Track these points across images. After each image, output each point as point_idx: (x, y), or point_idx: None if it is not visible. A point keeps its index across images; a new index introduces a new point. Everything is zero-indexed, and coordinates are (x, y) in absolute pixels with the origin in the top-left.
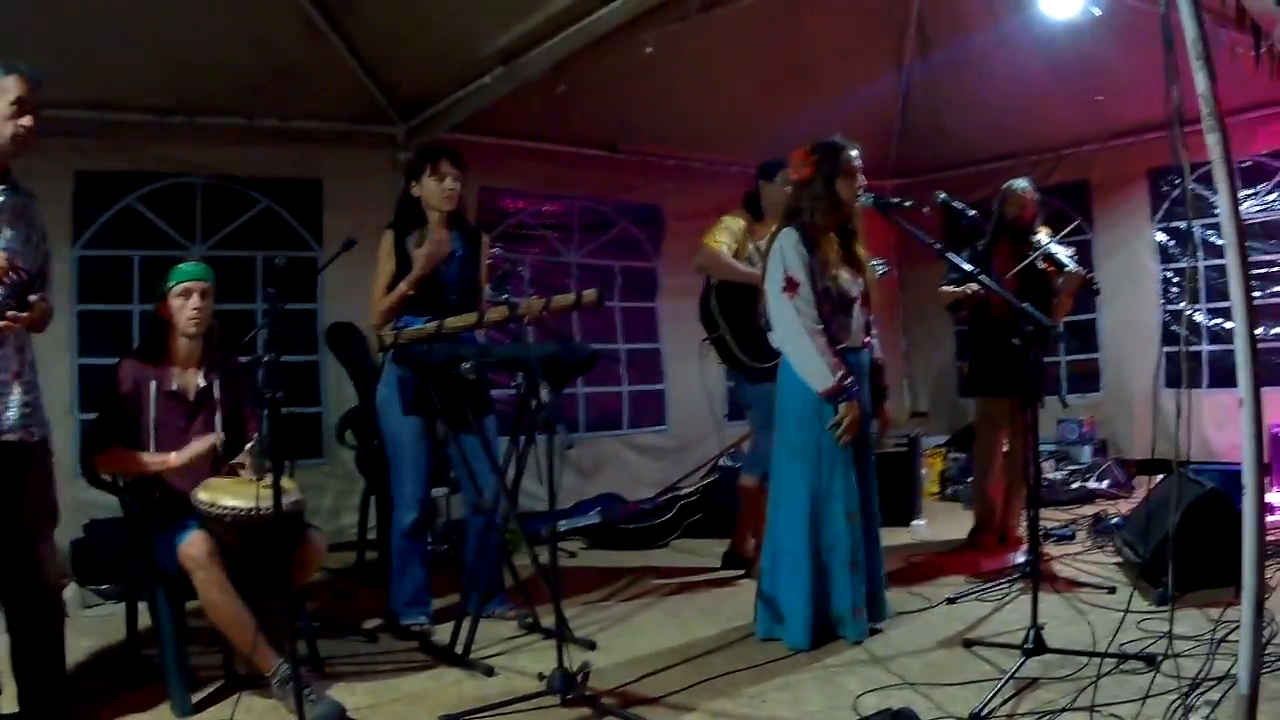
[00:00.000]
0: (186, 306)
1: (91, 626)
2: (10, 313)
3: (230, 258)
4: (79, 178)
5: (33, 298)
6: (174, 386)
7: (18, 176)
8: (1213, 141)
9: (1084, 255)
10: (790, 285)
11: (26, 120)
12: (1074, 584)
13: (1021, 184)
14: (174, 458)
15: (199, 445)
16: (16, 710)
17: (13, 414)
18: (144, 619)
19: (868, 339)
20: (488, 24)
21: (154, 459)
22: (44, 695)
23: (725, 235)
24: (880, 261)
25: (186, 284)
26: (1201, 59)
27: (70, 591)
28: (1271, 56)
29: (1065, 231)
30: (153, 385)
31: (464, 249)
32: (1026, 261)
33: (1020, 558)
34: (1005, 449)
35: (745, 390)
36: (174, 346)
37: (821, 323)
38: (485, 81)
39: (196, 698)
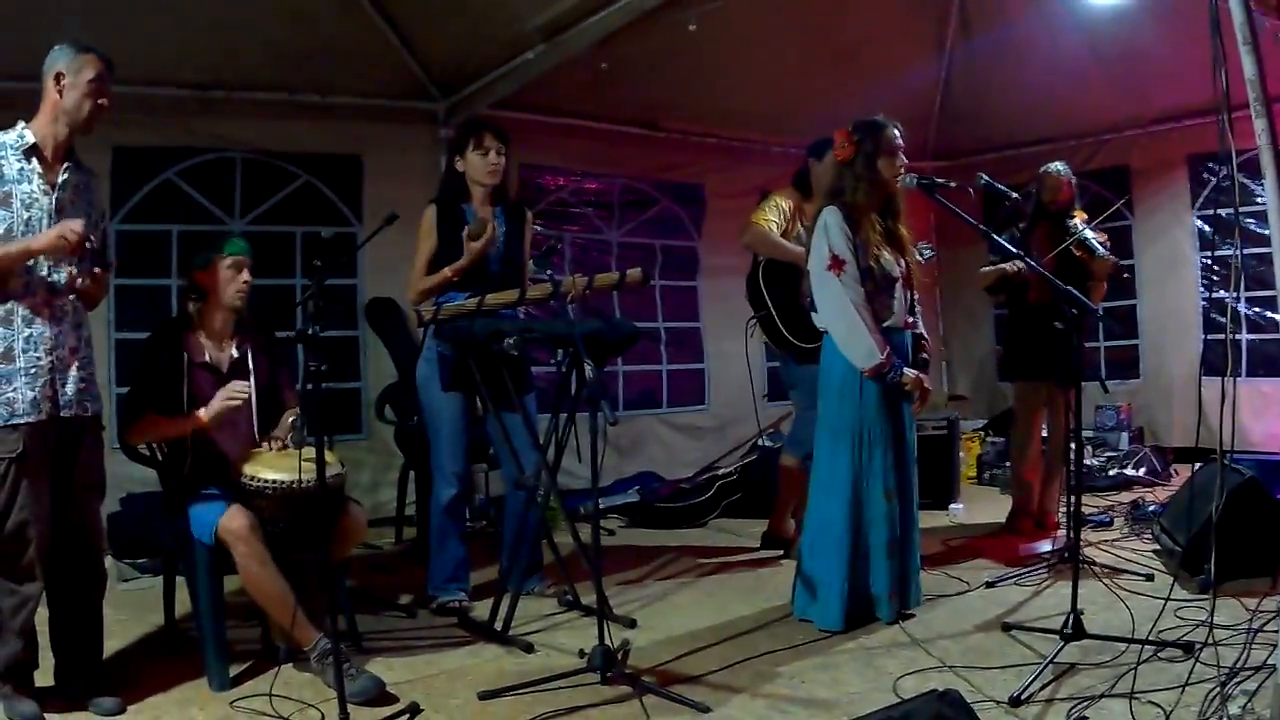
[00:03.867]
0: (237, 280)
1: (128, 600)
2: (82, 274)
3: (270, 233)
4: (117, 153)
5: (98, 270)
6: (207, 358)
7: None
8: (1260, 127)
9: (1124, 242)
10: (836, 263)
11: (104, 100)
12: (1112, 570)
13: (1057, 167)
14: (203, 413)
15: (227, 398)
16: (52, 684)
17: (70, 390)
18: (181, 593)
19: (910, 319)
20: (530, 0)
21: (182, 420)
22: (82, 668)
23: (773, 213)
24: (926, 245)
25: (239, 258)
26: (1249, 44)
27: (107, 565)
28: None
29: (1105, 215)
30: (185, 358)
31: (507, 225)
32: (1062, 246)
33: (1052, 544)
34: (1043, 433)
35: (791, 370)
36: (210, 318)
37: (866, 301)
38: (527, 58)
39: (234, 671)
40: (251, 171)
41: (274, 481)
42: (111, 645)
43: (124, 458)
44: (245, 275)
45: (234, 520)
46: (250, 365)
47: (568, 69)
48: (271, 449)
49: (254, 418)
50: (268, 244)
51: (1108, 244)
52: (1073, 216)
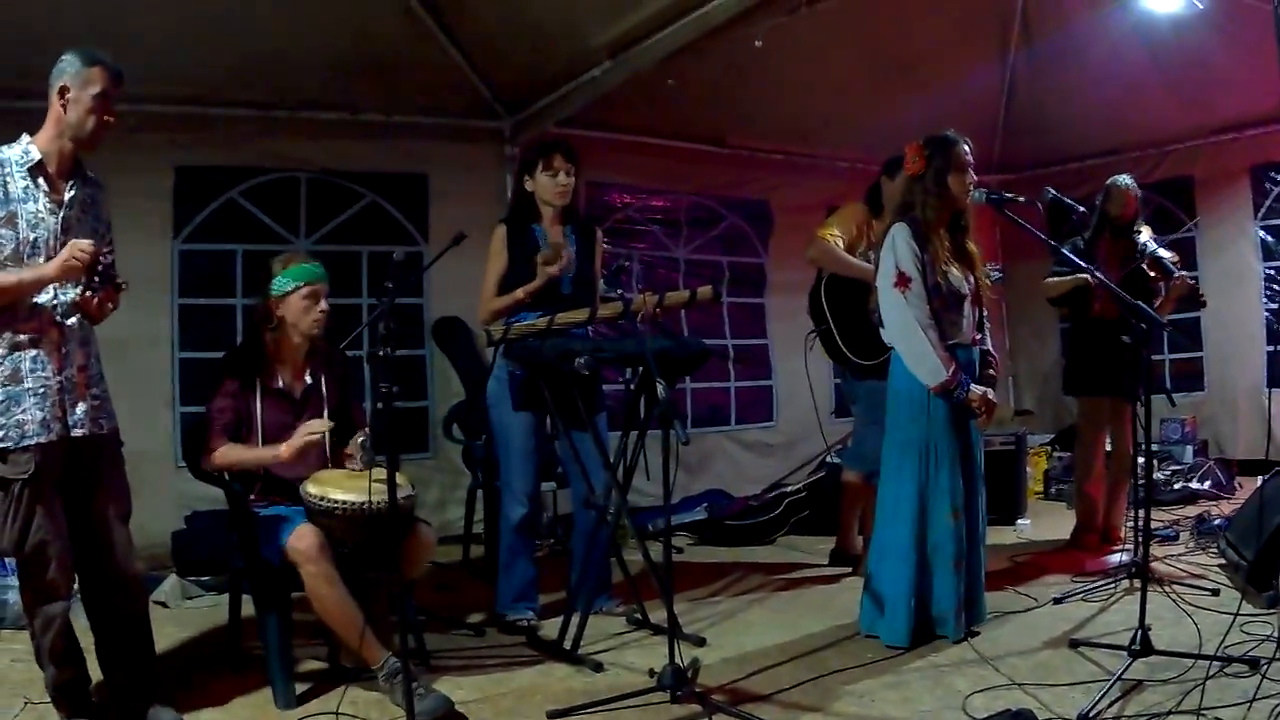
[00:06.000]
0: (314, 309)
1: (192, 618)
2: (98, 296)
3: (336, 252)
4: (179, 172)
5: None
6: (280, 384)
7: (109, 170)
8: None
9: (1188, 253)
10: (901, 280)
11: (109, 117)
12: (1178, 585)
13: (1125, 180)
14: (284, 449)
15: (308, 434)
16: (109, 698)
17: (81, 410)
18: (246, 610)
19: (978, 336)
20: (595, 17)
21: (264, 452)
22: (132, 684)
23: (839, 228)
24: (994, 267)
25: (316, 286)
26: None
27: (171, 583)
28: None
29: (1179, 233)
30: (258, 383)
31: (577, 243)
32: (1134, 265)
33: (1120, 558)
34: (1108, 448)
35: (851, 385)
36: (284, 344)
37: (932, 318)
38: (593, 75)
39: (300, 690)
40: (316, 191)
41: (344, 502)
42: (176, 663)
43: (189, 475)
44: (323, 305)
45: (302, 540)
46: (324, 391)
47: (633, 86)
48: (348, 466)
49: (325, 443)
50: (333, 264)
51: (1178, 261)
52: (1139, 231)
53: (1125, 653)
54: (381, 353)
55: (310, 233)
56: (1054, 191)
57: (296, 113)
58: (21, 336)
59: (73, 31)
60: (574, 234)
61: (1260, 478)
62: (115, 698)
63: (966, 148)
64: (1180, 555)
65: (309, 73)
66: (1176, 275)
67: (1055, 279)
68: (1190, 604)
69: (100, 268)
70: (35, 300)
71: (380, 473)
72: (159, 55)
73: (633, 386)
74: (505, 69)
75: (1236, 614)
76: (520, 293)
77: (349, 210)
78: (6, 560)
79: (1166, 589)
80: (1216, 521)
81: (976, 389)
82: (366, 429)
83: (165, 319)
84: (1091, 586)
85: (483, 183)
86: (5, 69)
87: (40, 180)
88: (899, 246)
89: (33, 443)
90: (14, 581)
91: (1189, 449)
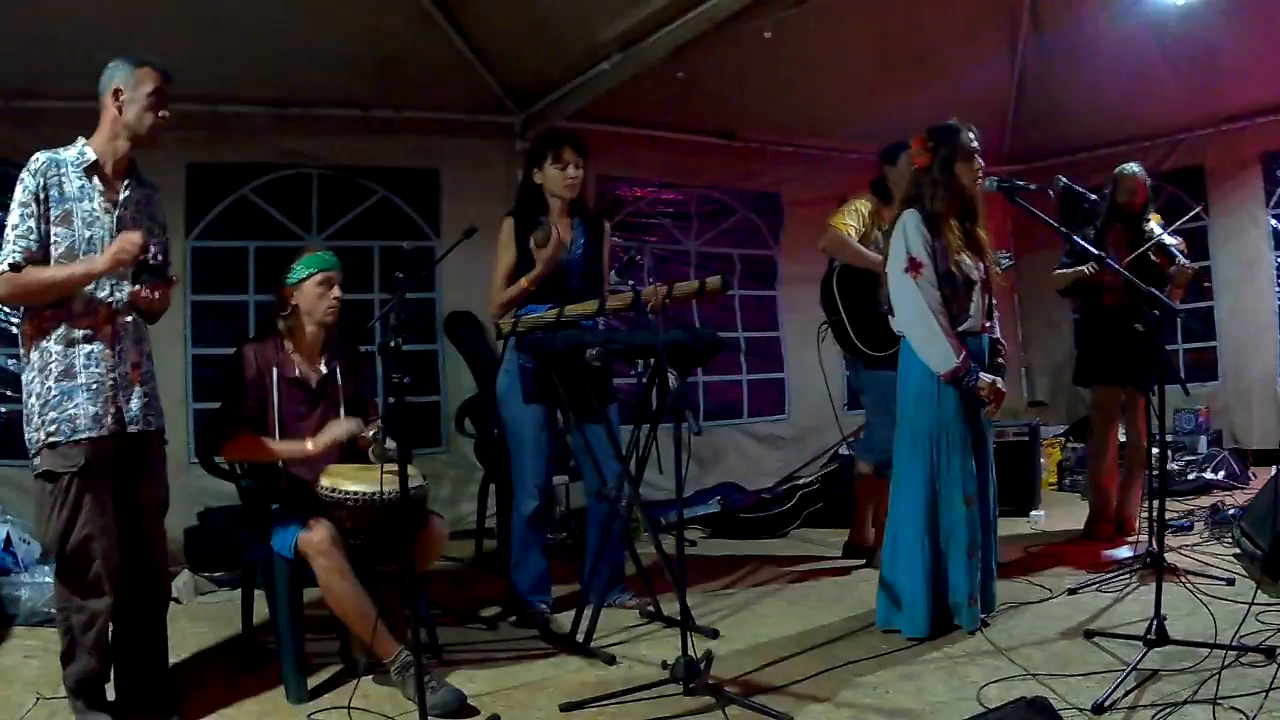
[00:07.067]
0: (328, 296)
1: (205, 613)
2: (147, 288)
3: (348, 248)
4: (191, 170)
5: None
6: (296, 373)
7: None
8: None
9: (1200, 243)
10: (913, 265)
11: (164, 113)
12: (1193, 575)
13: (1132, 168)
14: (311, 445)
15: (338, 432)
16: (114, 698)
17: (135, 406)
18: (259, 606)
19: (988, 324)
20: (605, 10)
21: (290, 447)
22: (146, 686)
23: (852, 218)
24: (1005, 254)
25: (329, 273)
26: None
27: (184, 579)
28: None
29: (1183, 220)
30: (274, 372)
31: (585, 236)
32: (1140, 251)
33: (1130, 550)
34: (1121, 439)
35: (861, 376)
36: (299, 334)
37: (943, 304)
38: (603, 69)
39: (312, 684)
40: (328, 187)
41: (355, 494)
42: (189, 658)
43: (202, 471)
44: (336, 291)
45: (315, 534)
46: (339, 382)
47: (643, 79)
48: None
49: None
50: (345, 259)
51: (1184, 249)
52: (1148, 219)
53: (1140, 643)
54: (393, 343)
55: (322, 228)
56: (1065, 179)
57: (308, 109)
58: (77, 332)
59: (83, 31)
60: (582, 227)
61: (1275, 467)
62: (123, 691)
63: (971, 134)
64: (1195, 545)
65: (320, 69)
66: (1180, 261)
67: (1061, 271)
68: (1205, 594)
69: (150, 263)
70: (94, 295)
71: (391, 464)
72: (170, 53)
73: (644, 379)
74: (515, 64)
75: (1251, 603)
76: (524, 281)
77: (360, 206)
78: (18, 556)
79: (1182, 579)
80: (1231, 511)
81: (986, 377)
82: (379, 421)
83: (178, 316)
84: (1106, 577)
85: (494, 177)
86: (18, 69)
87: (95, 180)
88: (910, 232)
89: (84, 437)
90: (26, 578)
91: (1203, 439)
